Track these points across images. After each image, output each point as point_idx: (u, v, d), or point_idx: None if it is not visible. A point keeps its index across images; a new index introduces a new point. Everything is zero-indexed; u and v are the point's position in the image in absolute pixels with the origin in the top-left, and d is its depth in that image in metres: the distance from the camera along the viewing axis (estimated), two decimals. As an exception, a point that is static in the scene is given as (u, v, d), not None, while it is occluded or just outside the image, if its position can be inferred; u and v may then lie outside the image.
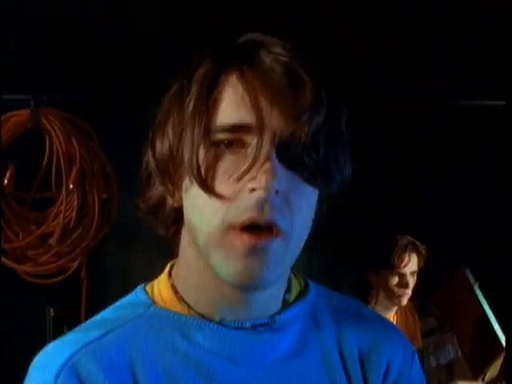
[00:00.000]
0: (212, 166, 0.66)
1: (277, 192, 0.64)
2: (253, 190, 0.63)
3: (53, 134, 2.23)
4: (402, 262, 2.21)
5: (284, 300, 0.75)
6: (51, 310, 2.41)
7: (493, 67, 1.94)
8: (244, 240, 0.64)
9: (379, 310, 2.25)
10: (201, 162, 0.66)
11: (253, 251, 0.64)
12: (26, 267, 2.29)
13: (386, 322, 0.84)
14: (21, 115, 2.25)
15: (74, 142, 2.24)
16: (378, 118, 2.56)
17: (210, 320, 0.71)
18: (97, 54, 2.27)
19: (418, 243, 2.26)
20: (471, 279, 2.42)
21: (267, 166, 0.63)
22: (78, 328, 0.73)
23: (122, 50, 2.25)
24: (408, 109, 2.68)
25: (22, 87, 2.25)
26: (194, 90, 0.67)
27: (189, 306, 0.73)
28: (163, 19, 2.07)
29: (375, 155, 2.55)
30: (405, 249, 2.22)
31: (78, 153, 2.23)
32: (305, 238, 0.70)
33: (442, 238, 2.58)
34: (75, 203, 2.24)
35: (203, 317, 0.72)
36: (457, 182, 2.73)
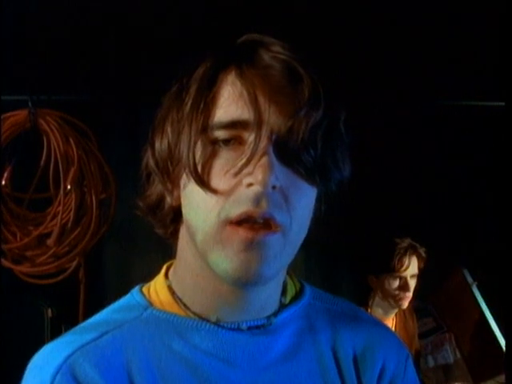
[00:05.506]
0: (209, 162, 0.65)
1: (274, 187, 0.63)
2: (250, 184, 0.63)
3: (50, 134, 2.22)
4: (402, 265, 2.21)
5: (280, 302, 0.75)
6: (49, 311, 2.40)
7: (493, 67, 1.94)
8: (241, 234, 0.63)
9: (378, 312, 2.24)
10: (198, 158, 0.65)
11: (250, 245, 0.63)
12: (24, 268, 2.28)
13: (380, 324, 0.84)
14: (18, 116, 2.24)
15: (72, 143, 2.23)
16: (377, 118, 2.56)
17: (207, 321, 0.71)
18: (96, 55, 2.27)
19: (417, 246, 2.25)
20: (469, 279, 2.43)
21: (264, 160, 0.63)
22: (74, 329, 0.73)
23: (122, 50, 2.25)
24: (407, 109, 2.68)
25: (19, 88, 2.24)
26: (192, 88, 0.67)
27: (186, 307, 0.73)
28: (163, 19, 2.07)
29: (373, 156, 2.55)
30: (405, 252, 2.21)
31: (75, 153, 2.22)
32: (303, 235, 0.70)
33: (440, 238, 2.57)
34: (73, 204, 2.23)
35: (200, 318, 0.72)
36: (455, 183, 2.73)
